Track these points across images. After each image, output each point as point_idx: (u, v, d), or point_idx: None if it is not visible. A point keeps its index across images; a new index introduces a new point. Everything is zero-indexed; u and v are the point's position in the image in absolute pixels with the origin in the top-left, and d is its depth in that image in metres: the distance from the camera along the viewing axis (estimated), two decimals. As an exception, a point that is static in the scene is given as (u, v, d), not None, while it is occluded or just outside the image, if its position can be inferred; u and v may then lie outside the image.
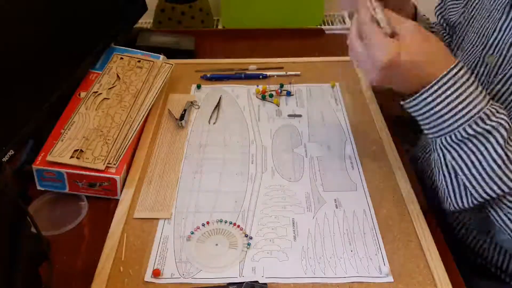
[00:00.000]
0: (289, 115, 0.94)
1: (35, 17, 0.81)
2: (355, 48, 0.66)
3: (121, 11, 1.06)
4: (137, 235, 0.70)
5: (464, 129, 0.61)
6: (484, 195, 0.62)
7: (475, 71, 0.78)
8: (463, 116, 0.61)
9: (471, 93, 0.61)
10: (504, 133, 0.60)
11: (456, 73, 0.61)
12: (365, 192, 0.77)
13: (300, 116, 0.94)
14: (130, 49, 1.03)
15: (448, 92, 0.61)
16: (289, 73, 1.06)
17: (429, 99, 0.62)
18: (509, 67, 0.71)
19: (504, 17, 0.73)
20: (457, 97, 0.61)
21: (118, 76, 0.93)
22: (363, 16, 0.64)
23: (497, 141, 0.60)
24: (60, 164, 0.75)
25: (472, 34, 0.81)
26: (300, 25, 1.56)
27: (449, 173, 0.66)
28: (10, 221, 0.51)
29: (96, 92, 0.89)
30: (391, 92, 1.03)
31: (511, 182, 0.60)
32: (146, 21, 1.69)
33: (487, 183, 0.61)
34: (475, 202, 0.63)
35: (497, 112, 0.61)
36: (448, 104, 0.61)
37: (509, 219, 0.63)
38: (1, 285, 0.49)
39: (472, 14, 0.84)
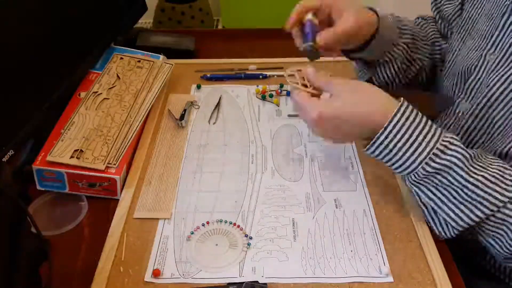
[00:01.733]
0: (289, 115, 0.94)
1: (35, 17, 0.81)
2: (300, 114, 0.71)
3: (121, 11, 1.06)
4: (137, 235, 0.70)
5: (423, 168, 0.64)
6: (462, 223, 0.64)
7: (476, 69, 0.78)
8: (418, 155, 0.63)
9: (419, 133, 0.64)
10: (461, 164, 0.62)
11: (401, 116, 0.64)
12: (365, 192, 0.77)
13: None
14: (130, 49, 1.03)
15: (398, 137, 0.64)
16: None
17: (381, 146, 0.65)
18: (509, 68, 0.71)
19: (506, 15, 0.73)
20: (407, 140, 0.64)
21: (118, 76, 0.93)
22: (295, 94, 0.71)
23: (458, 173, 0.62)
24: (60, 164, 0.75)
25: (475, 33, 0.81)
26: (300, 25, 1.56)
27: (426, 207, 0.69)
28: (10, 221, 0.51)
29: (96, 92, 0.89)
30: (392, 92, 1.03)
31: (483, 207, 0.63)
32: (146, 21, 1.70)
33: (462, 212, 0.64)
34: (455, 232, 0.66)
35: (450, 144, 0.63)
36: (400, 148, 0.64)
37: (495, 241, 0.65)
38: (1, 285, 0.49)
39: (474, 12, 0.83)
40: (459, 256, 0.71)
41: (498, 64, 0.73)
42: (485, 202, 0.62)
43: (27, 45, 0.79)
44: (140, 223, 0.72)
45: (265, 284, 0.62)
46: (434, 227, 0.69)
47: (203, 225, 0.71)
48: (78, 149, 0.77)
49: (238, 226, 0.71)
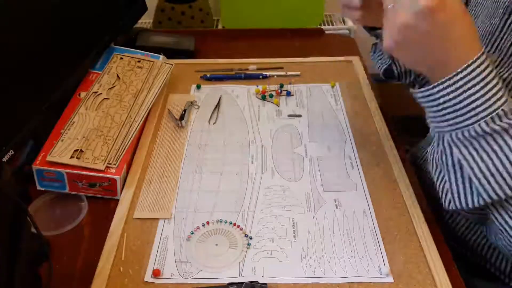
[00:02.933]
0: (289, 115, 0.94)
1: (35, 17, 0.81)
2: None
3: (121, 11, 1.06)
4: (137, 235, 0.70)
5: (480, 125, 0.57)
6: (494, 195, 0.59)
7: None
8: (482, 111, 0.56)
9: (493, 86, 0.56)
10: None
11: (484, 61, 0.56)
12: (365, 192, 0.77)
13: (300, 116, 0.94)
14: (130, 49, 1.03)
15: (475, 81, 0.56)
16: (289, 73, 1.06)
17: (454, 87, 0.57)
18: (508, 68, 0.71)
19: (506, 16, 0.73)
20: (482, 88, 0.56)
21: (118, 76, 0.93)
22: None
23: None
24: (60, 164, 0.75)
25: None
26: (300, 25, 1.56)
27: (455, 170, 0.62)
28: (10, 221, 0.51)
29: (96, 92, 0.89)
30: (392, 92, 1.03)
31: None
32: (146, 21, 1.69)
33: (497, 182, 0.58)
34: (481, 202, 0.60)
35: None
36: (470, 96, 0.56)
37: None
38: (1, 285, 0.49)
39: (475, 12, 0.84)
40: (459, 256, 0.71)
41: (498, 65, 0.73)
42: None
43: (27, 45, 0.79)
44: (140, 223, 0.72)
45: (265, 284, 0.62)
46: (455, 195, 0.62)
47: (203, 225, 0.71)
48: (78, 149, 0.77)
49: (238, 226, 0.71)
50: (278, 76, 1.05)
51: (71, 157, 0.76)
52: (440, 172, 0.65)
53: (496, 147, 0.57)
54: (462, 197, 0.62)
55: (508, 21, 0.73)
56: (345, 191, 0.77)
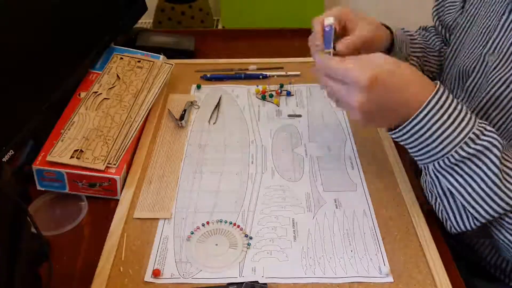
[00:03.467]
0: (289, 115, 0.94)
1: (35, 17, 0.81)
2: (331, 87, 0.64)
3: (121, 11, 1.06)
4: (137, 235, 0.70)
5: (456, 152, 0.60)
6: (486, 215, 0.61)
7: (475, 70, 0.78)
8: (454, 139, 0.60)
9: (458, 115, 0.60)
10: (496, 151, 0.59)
11: (440, 96, 0.60)
12: (365, 192, 0.77)
13: (300, 116, 0.94)
14: (130, 49, 1.03)
15: (437, 117, 0.60)
16: (289, 73, 1.06)
17: (418, 126, 0.61)
18: (508, 69, 0.71)
19: (505, 15, 0.73)
20: (446, 121, 0.60)
21: (118, 76, 0.93)
22: (319, 60, 0.66)
23: (491, 160, 0.60)
24: (60, 164, 0.75)
25: (474, 33, 0.81)
26: (300, 25, 1.56)
27: (446, 197, 0.65)
28: (10, 221, 0.51)
29: (96, 92, 0.89)
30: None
31: (510, 199, 0.59)
32: (146, 21, 1.70)
33: (487, 203, 0.60)
34: (477, 223, 0.62)
35: (485, 130, 0.61)
36: (438, 129, 0.60)
37: None
38: (1, 285, 0.49)
39: (473, 12, 0.83)
40: (459, 256, 0.71)
41: (497, 65, 0.73)
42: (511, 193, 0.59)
43: (27, 45, 0.79)
44: (140, 223, 0.72)
45: (265, 284, 0.62)
46: (450, 220, 0.65)
47: (203, 225, 0.71)
48: (78, 149, 0.77)
49: (238, 226, 0.71)
50: (278, 76, 1.05)
51: (71, 157, 0.75)
52: (435, 200, 0.67)
53: (477, 169, 0.60)
54: (460, 221, 0.65)
55: (507, 22, 0.73)
56: (345, 191, 0.77)
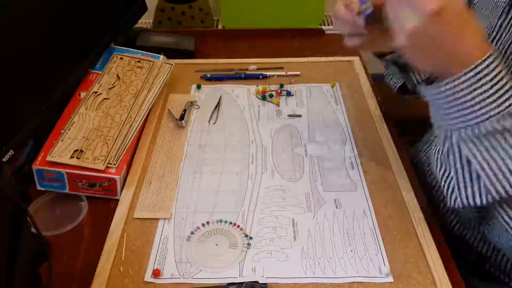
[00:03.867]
0: (289, 115, 0.94)
1: (35, 17, 0.81)
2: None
3: (121, 11, 1.06)
4: (137, 235, 0.70)
5: (490, 123, 0.56)
6: (502, 192, 0.58)
7: None
8: (493, 109, 0.56)
9: (504, 85, 0.56)
10: None
11: (494, 59, 0.56)
12: (365, 192, 0.77)
13: (300, 116, 0.94)
14: (130, 49, 1.03)
15: (486, 79, 0.56)
16: (289, 73, 1.06)
17: (465, 84, 0.56)
18: (506, 68, 0.71)
19: (504, 16, 0.73)
20: (493, 86, 0.56)
21: (118, 76, 0.93)
22: None
23: None
24: (60, 164, 0.75)
25: None
26: (300, 25, 1.56)
27: (463, 168, 0.61)
28: (10, 221, 0.51)
29: (96, 92, 0.89)
30: (392, 92, 1.03)
31: None
32: (146, 21, 1.69)
33: (508, 180, 0.58)
34: (490, 199, 0.59)
35: None
36: (480, 94, 0.56)
37: None
38: (1, 285, 0.49)
39: (475, 13, 0.83)
40: (459, 256, 0.71)
41: None
42: None
43: (27, 45, 0.79)
44: (140, 223, 0.72)
45: (265, 284, 0.62)
46: (461, 191, 0.62)
47: (203, 225, 0.71)
48: (78, 149, 0.77)
49: (238, 226, 0.71)
50: (278, 76, 1.05)
51: (71, 157, 0.75)
52: (445, 170, 0.64)
53: (506, 145, 0.57)
54: (470, 194, 0.61)
55: (505, 22, 0.73)
56: (345, 191, 0.77)
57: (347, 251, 0.67)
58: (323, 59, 1.11)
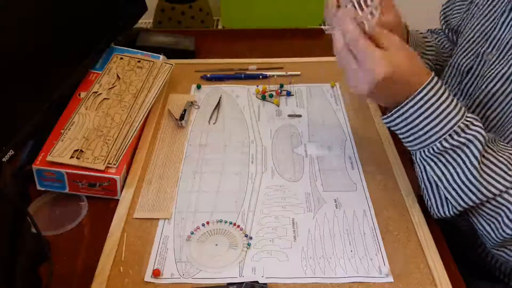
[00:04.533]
0: (289, 115, 0.94)
1: (35, 17, 0.81)
2: (346, 62, 0.65)
3: (121, 11, 1.06)
4: (137, 235, 0.70)
5: (440, 143, 0.63)
6: (463, 204, 0.64)
7: (473, 68, 0.78)
8: (440, 129, 0.63)
9: (447, 106, 0.63)
10: (479, 145, 0.62)
11: (433, 86, 0.63)
12: (365, 192, 0.77)
13: (300, 116, 0.94)
14: (130, 49, 1.03)
15: (427, 105, 0.62)
16: (289, 73, 1.06)
17: (407, 113, 0.64)
18: (506, 66, 0.71)
19: (506, 14, 0.73)
20: (434, 110, 0.63)
21: (118, 76, 0.93)
22: (352, 30, 0.63)
23: (472, 153, 0.62)
24: (60, 164, 0.75)
25: (470, 31, 0.81)
26: (300, 25, 1.56)
27: (430, 184, 0.68)
28: (10, 221, 0.51)
29: (96, 92, 0.89)
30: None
31: (487, 191, 0.62)
32: (146, 21, 1.70)
33: (464, 193, 0.64)
34: (455, 211, 0.66)
35: (472, 124, 0.63)
36: (426, 117, 0.63)
37: (489, 225, 0.65)
38: (1, 285, 0.49)
39: (471, 11, 0.84)
40: (459, 256, 0.71)
41: (495, 61, 0.73)
42: (489, 186, 0.62)
43: (27, 45, 0.79)
44: (140, 223, 0.72)
45: (265, 284, 0.62)
46: (433, 206, 0.69)
47: (203, 225, 0.71)
48: (78, 149, 0.77)
49: (238, 226, 0.71)
50: (278, 76, 1.05)
51: (71, 157, 0.75)
52: (421, 184, 0.70)
53: (458, 160, 0.63)
54: (439, 207, 0.68)
55: (507, 20, 0.73)
56: (345, 191, 0.77)
57: (347, 251, 0.67)
58: (323, 59, 1.11)
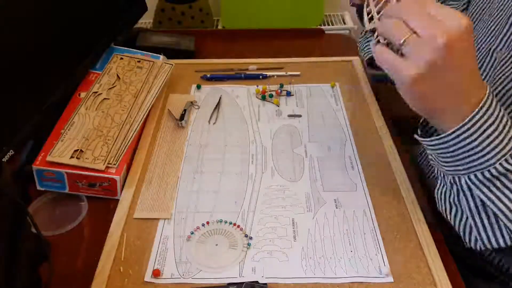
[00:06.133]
0: (289, 115, 0.94)
1: (35, 17, 0.81)
2: (399, 27, 0.53)
3: (121, 11, 1.06)
4: (137, 235, 0.70)
5: (501, 164, 0.55)
6: None
7: (482, 67, 0.77)
8: (502, 149, 0.55)
9: (507, 121, 0.55)
10: None
11: (491, 103, 0.55)
12: (365, 192, 0.77)
13: (300, 116, 0.94)
14: (130, 49, 1.03)
15: (489, 122, 0.54)
16: (289, 73, 1.06)
17: (469, 132, 0.54)
18: None
19: None
20: (497, 127, 0.54)
21: (118, 76, 0.93)
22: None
23: None
24: (60, 164, 0.75)
25: (480, 29, 0.81)
26: (300, 25, 1.56)
27: (479, 211, 0.60)
28: (10, 221, 0.51)
29: (96, 92, 0.89)
30: (392, 92, 1.03)
31: None
32: (146, 21, 1.70)
33: None
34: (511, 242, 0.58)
35: None
36: (489, 136, 0.54)
37: None
38: (1, 285, 0.49)
39: (479, 9, 0.83)
40: (459, 256, 0.71)
41: (506, 62, 0.73)
42: None
43: (27, 45, 0.79)
44: (140, 223, 0.72)
45: (265, 284, 0.62)
46: (482, 234, 0.60)
47: (203, 225, 0.71)
48: (78, 149, 0.77)
49: (238, 226, 0.71)
50: (278, 76, 1.05)
51: (71, 157, 0.76)
52: (457, 211, 0.62)
53: None
54: (491, 236, 0.59)
55: None
56: (345, 191, 0.77)
57: (347, 251, 0.67)
58: (323, 59, 1.11)
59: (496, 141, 0.55)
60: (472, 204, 0.60)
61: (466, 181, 0.58)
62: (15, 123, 0.76)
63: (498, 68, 0.74)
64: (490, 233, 0.59)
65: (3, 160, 0.70)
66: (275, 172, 0.81)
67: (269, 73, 1.05)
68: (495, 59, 0.75)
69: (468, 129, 0.54)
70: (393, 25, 0.53)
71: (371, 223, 0.71)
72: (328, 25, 1.65)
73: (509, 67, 0.71)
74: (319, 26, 1.58)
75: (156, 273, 0.64)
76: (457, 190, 0.61)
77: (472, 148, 0.55)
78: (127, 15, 1.08)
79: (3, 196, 0.50)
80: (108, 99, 0.88)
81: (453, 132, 0.55)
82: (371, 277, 0.64)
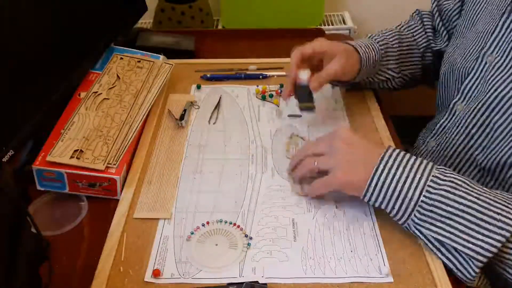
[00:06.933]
0: (289, 115, 0.94)
1: (35, 17, 0.81)
2: (317, 147, 0.73)
3: (121, 11, 1.06)
4: (137, 235, 0.70)
5: (424, 200, 0.62)
6: (485, 252, 0.58)
7: (473, 71, 0.77)
8: (416, 189, 0.62)
9: (413, 164, 0.64)
10: (466, 185, 0.61)
11: (391, 153, 0.66)
12: (365, 192, 0.77)
13: (300, 116, 0.94)
14: (130, 49, 1.03)
15: (393, 170, 0.64)
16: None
17: (380, 181, 0.65)
18: (508, 68, 0.71)
19: (506, 15, 0.73)
20: (403, 170, 0.64)
21: (118, 76, 0.93)
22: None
23: (462, 194, 0.60)
24: (60, 164, 0.75)
25: (472, 33, 0.81)
26: (300, 25, 1.56)
27: (438, 249, 0.64)
28: (10, 221, 0.51)
29: (96, 92, 0.89)
30: (392, 92, 1.03)
31: (501, 229, 0.58)
32: (146, 21, 1.69)
33: (483, 237, 0.59)
34: (480, 265, 0.59)
35: (445, 172, 0.63)
36: (399, 179, 0.63)
37: None
38: (1, 285, 0.49)
39: (472, 13, 0.83)
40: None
41: (500, 66, 0.73)
42: (500, 223, 0.58)
43: (27, 45, 0.79)
44: (140, 223, 0.72)
45: (265, 284, 0.62)
46: (455, 269, 0.63)
47: (203, 225, 0.71)
48: (78, 149, 0.77)
49: (238, 226, 0.71)
50: (278, 76, 1.05)
51: (71, 157, 0.76)
52: (434, 253, 0.65)
53: (456, 206, 0.60)
54: (462, 269, 0.62)
55: (508, 21, 0.73)
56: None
57: (347, 251, 0.67)
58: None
59: (409, 180, 0.63)
60: (429, 243, 0.64)
61: (413, 225, 0.65)
62: (15, 123, 0.76)
63: (490, 71, 0.73)
64: (459, 266, 0.62)
65: (3, 160, 0.70)
66: (275, 172, 0.81)
67: (269, 73, 1.05)
68: (486, 63, 0.75)
69: (377, 181, 0.65)
70: (304, 164, 0.73)
71: (371, 223, 0.71)
72: (328, 25, 1.65)
73: (503, 72, 0.71)
74: (319, 26, 1.57)
75: (156, 273, 0.64)
76: (417, 236, 0.66)
77: (392, 194, 0.64)
78: (127, 15, 1.08)
79: (3, 196, 0.50)
80: (108, 99, 0.88)
81: (367, 190, 0.66)
82: (371, 277, 0.64)
